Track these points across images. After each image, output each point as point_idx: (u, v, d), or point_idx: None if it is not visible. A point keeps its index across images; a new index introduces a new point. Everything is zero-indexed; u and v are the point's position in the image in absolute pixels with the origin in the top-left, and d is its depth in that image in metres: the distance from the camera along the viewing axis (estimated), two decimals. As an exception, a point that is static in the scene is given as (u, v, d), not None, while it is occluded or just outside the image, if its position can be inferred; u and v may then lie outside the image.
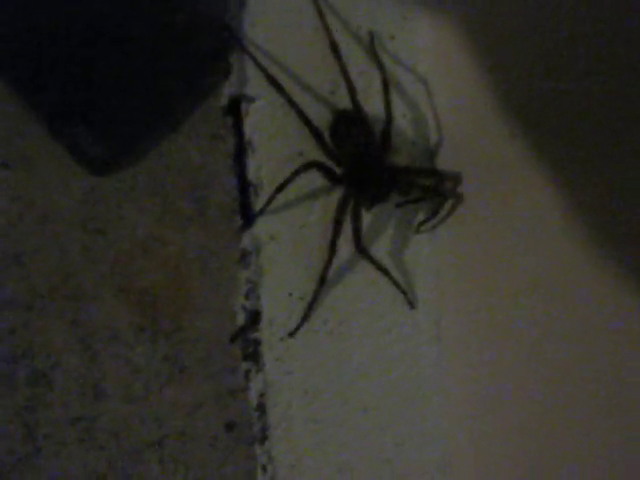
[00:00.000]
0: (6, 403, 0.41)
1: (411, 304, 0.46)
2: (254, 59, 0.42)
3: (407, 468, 0.46)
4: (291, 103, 0.42)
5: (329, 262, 0.43)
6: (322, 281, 0.43)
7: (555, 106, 0.39)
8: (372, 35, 0.45)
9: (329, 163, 0.44)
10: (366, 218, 0.44)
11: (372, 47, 0.44)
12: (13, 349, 0.42)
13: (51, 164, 0.42)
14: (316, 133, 0.43)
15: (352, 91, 0.43)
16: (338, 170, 0.44)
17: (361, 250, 0.43)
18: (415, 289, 0.46)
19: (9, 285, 0.42)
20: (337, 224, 0.43)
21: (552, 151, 0.40)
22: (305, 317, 0.44)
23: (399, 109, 0.45)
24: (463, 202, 0.45)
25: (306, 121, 0.42)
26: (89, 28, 0.37)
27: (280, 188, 0.42)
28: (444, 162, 0.46)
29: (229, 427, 0.45)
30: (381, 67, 0.44)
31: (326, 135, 0.43)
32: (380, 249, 0.46)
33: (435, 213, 0.45)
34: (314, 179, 0.44)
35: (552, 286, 0.40)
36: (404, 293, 0.45)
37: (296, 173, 0.42)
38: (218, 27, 0.39)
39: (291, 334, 0.44)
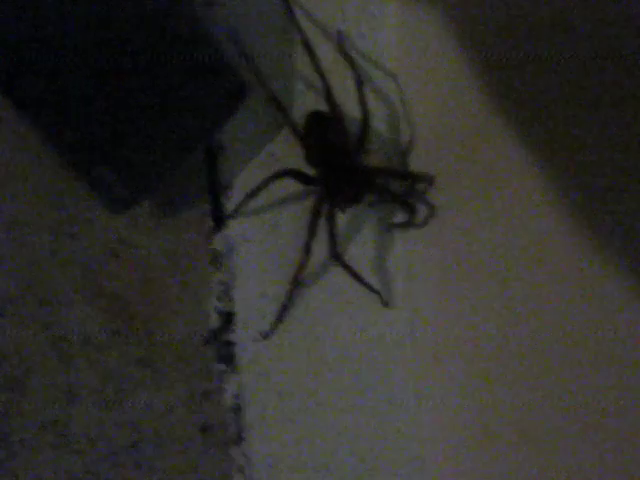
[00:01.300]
0: (-21, 410, 0.41)
1: (385, 302, 0.46)
2: (246, 58, 0.42)
3: (383, 467, 0.46)
4: (274, 100, 0.42)
5: (304, 264, 0.43)
6: (295, 282, 0.43)
7: (527, 96, 0.39)
8: (341, 33, 0.44)
9: (302, 166, 0.43)
10: (340, 216, 0.44)
11: (342, 46, 0.44)
12: (-15, 355, 0.41)
13: (16, 167, 0.42)
14: (295, 132, 0.42)
15: (327, 89, 0.43)
16: (312, 172, 0.44)
17: (336, 256, 0.42)
18: (389, 287, 0.46)
19: (-21, 291, 0.41)
20: (312, 226, 0.42)
21: (524, 143, 0.40)
22: (279, 318, 0.44)
23: (370, 108, 0.45)
24: (434, 207, 0.45)
25: (287, 119, 0.42)
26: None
27: (252, 194, 0.42)
28: (417, 158, 0.46)
29: (204, 429, 0.44)
30: (353, 65, 0.44)
31: (302, 134, 0.43)
32: (353, 248, 0.46)
33: (407, 223, 0.45)
34: (286, 180, 0.44)
35: (526, 282, 0.40)
36: (377, 293, 0.45)
37: (268, 181, 0.42)
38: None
39: (265, 336, 0.44)
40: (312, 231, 0.43)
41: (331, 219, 0.43)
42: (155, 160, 0.39)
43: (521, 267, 0.41)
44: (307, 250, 0.43)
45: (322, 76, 0.43)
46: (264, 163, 0.44)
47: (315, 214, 0.43)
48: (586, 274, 0.36)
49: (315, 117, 0.44)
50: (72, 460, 0.43)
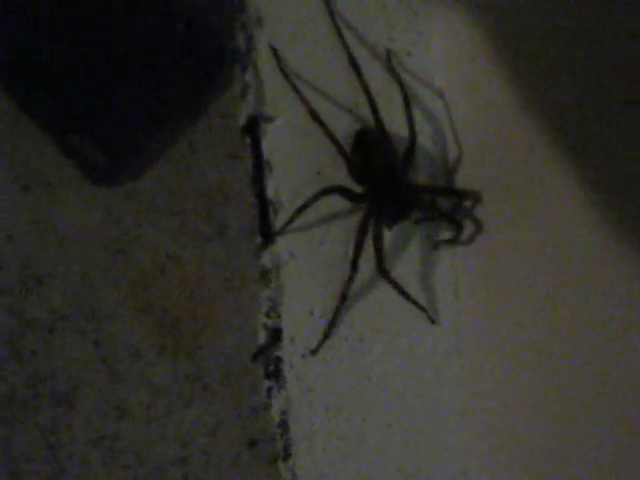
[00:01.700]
0: (30, 424, 0.41)
1: (431, 320, 0.46)
2: (287, 77, 0.42)
3: (429, 482, 0.47)
4: (317, 120, 0.42)
5: (350, 280, 0.43)
6: (343, 299, 0.43)
7: (577, 112, 0.39)
8: (389, 52, 0.45)
9: (349, 184, 0.44)
10: (386, 234, 0.44)
11: (390, 64, 0.44)
12: (35, 371, 0.41)
13: (70, 186, 0.42)
14: (340, 150, 0.43)
15: (374, 108, 0.43)
16: (359, 189, 0.44)
17: (383, 271, 0.43)
18: (435, 304, 0.46)
19: (30, 307, 0.42)
20: (358, 243, 0.43)
21: (573, 159, 0.40)
22: (326, 335, 0.44)
23: (417, 125, 0.45)
24: (481, 224, 0.45)
25: (331, 137, 0.42)
26: (94, 40, 0.37)
27: (300, 210, 0.43)
28: (463, 176, 0.46)
29: (252, 445, 0.45)
30: (401, 84, 0.44)
31: (348, 152, 0.43)
32: (400, 265, 0.46)
33: (454, 239, 0.45)
34: (333, 197, 0.44)
35: (572, 298, 0.41)
36: (424, 310, 0.45)
37: (316, 197, 0.42)
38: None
39: (313, 352, 0.45)
40: (359, 247, 0.43)
41: (378, 235, 0.43)
42: (132, 127, 0.38)
43: (569, 284, 0.41)
44: (354, 267, 0.43)
45: (369, 94, 0.43)
46: (311, 180, 0.44)
47: (362, 231, 0.43)
48: (637, 295, 0.37)
49: (362, 135, 0.44)
50: (121, 475, 0.43)
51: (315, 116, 0.42)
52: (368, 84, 0.43)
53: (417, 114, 0.45)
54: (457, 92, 0.45)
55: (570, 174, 0.40)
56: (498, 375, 0.45)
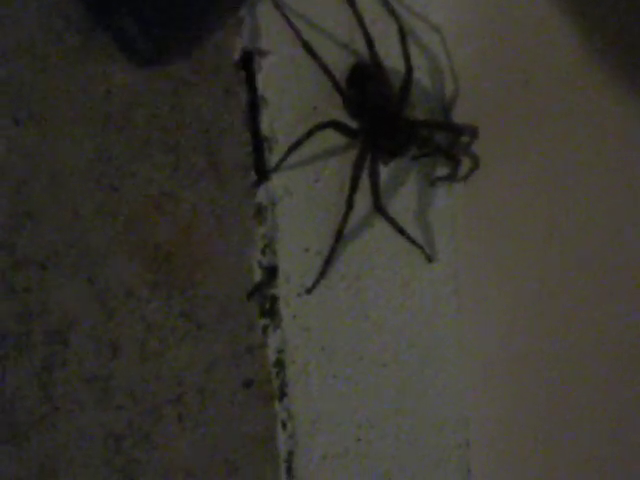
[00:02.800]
0: (23, 363, 0.41)
1: (429, 258, 0.45)
2: (281, 11, 0.42)
3: (426, 423, 0.46)
4: (311, 53, 0.41)
5: (346, 217, 0.42)
6: (339, 236, 0.43)
7: (571, 51, 0.38)
8: None
9: (344, 119, 0.43)
10: (382, 171, 0.44)
11: None
12: (28, 308, 0.41)
13: (62, 121, 0.41)
14: (335, 84, 0.42)
15: (369, 41, 0.42)
16: (354, 124, 0.43)
17: (379, 208, 0.42)
18: (432, 242, 0.46)
19: (22, 243, 0.41)
20: (354, 179, 0.42)
21: (567, 98, 0.39)
22: (322, 273, 0.44)
23: (414, 60, 0.44)
24: (479, 160, 0.44)
25: (326, 71, 0.41)
26: None
27: (294, 146, 0.42)
28: (460, 112, 0.45)
29: (247, 384, 0.44)
30: (396, 17, 0.43)
31: (343, 86, 0.43)
32: (396, 202, 0.45)
33: (451, 176, 0.45)
34: (329, 133, 0.43)
35: (570, 234, 0.40)
36: (421, 248, 0.45)
37: (310, 133, 0.42)
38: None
39: (309, 290, 0.44)
40: (354, 184, 0.42)
41: (374, 172, 0.42)
42: (180, 15, 0.40)
43: (569, 221, 0.40)
44: (350, 204, 0.42)
45: (364, 28, 0.42)
46: (307, 115, 0.43)
47: (357, 167, 0.42)
48: (623, 230, 0.36)
49: (357, 69, 0.43)
50: (115, 414, 0.43)
51: (309, 48, 0.41)
52: (363, 18, 0.42)
53: (414, 49, 0.44)
54: (454, 25, 0.45)
55: (566, 108, 0.39)
56: (495, 314, 0.44)
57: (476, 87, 0.44)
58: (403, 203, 0.45)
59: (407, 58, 0.43)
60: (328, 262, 0.44)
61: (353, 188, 0.42)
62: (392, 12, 0.43)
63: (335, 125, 0.42)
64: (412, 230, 0.44)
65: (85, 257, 0.42)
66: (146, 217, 0.43)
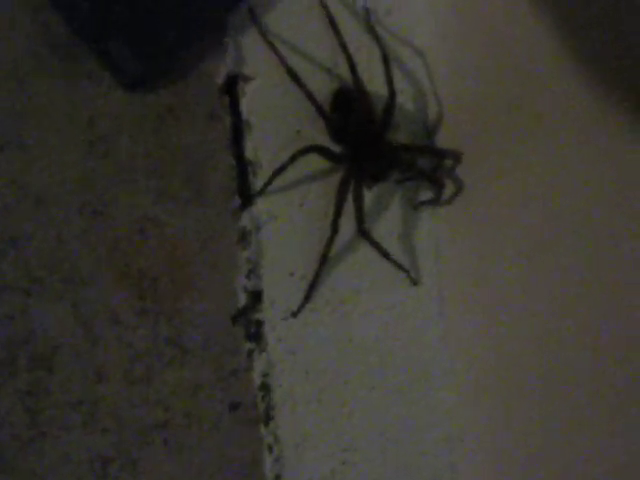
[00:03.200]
0: (8, 389, 0.41)
1: (414, 281, 0.45)
2: (265, 37, 0.42)
3: (413, 445, 0.46)
4: (295, 79, 0.41)
5: (330, 241, 0.42)
6: (323, 260, 0.43)
7: (554, 75, 0.38)
8: (367, 10, 0.44)
9: (328, 144, 0.43)
10: (366, 195, 0.44)
11: (369, 22, 0.44)
12: (13, 335, 0.41)
13: (46, 147, 0.42)
14: (319, 109, 0.42)
15: (352, 66, 0.42)
16: (338, 149, 0.43)
17: (363, 232, 0.42)
18: (417, 265, 0.46)
19: (6, 270, 0.41)
20: (339, 203, 0.42)
21: (551, 120, 0.39)
22: (307, 297, 0.44)
23: (398, 84, 0.44)
24: (462, 184, 0.44)
25: (310, 97, 0.42)
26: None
27: (278, 171, 0.42)
28: (444, 135, 0.45)
29: (233, 407, 0.44)
30: (379, 42, 0.43)
31: (327, 111, 0.43)
32: (380, 226, 0.45)
33: (434, 200, 0.45)
34: (313, 157, 0.43)
35: (554, 254, 0.40)
36: (406, 271, 0.45)
37: (294, 158, 0.42)
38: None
39: (294, 314, 0.44)
40: (339, 208, 0.42)
41: (358, 196, 0.42)
42: (167, 38, 0.40)
43: (551, 244, 0.40)
44: (334, 228, 0.42)
45: (347, 53, 0.42)
46: (291, 140, 0.43)
47: (342, 191, 0.43)
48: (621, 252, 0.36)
49: (340, 94, 0.44)
50: (101, 439, 0.43)
51: (293, 74, 0.41)
52: (346, 42, 0.42)
53: (397, 73, 0.44)
54: (438, 51, 0.45)
55: (549, 131, 0.40)
56: (481, 336, 0.44)
57: (462, 112, 0.45)
58: (387, 226, 0.45)
59: (390, 82, 0.43)
60: (313, 286, 0.44)
61: (337, 212, 0.42)
62: (376, 36, 0.44)
63: (318, 150, 0.42)
64: (396, 253, 0.44)
65: (70, 283, 0.42)
66: (131, 242, 0.43)
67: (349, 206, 0.42)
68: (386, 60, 0.43)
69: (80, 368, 0.42)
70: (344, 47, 0.42)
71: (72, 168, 0.42)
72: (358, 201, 0.42)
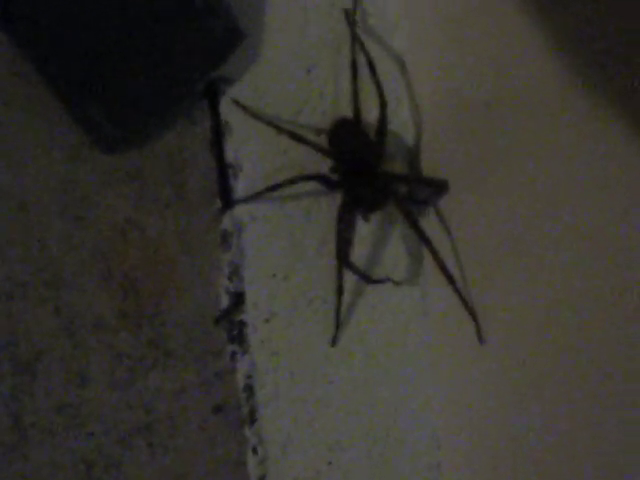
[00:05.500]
0: (-9, 393, 0.41)
1: (396, 283, 0.45)
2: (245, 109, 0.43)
3: (397, 445, 0.46)
4: (277, 127, 0.42)
5: (340, 272, 0.43)
6: (340, 290, 0.43)
7: (535, 71, 0.38)
8: (349, 12, 0.44)
9: (325, 171, 0.43)
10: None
11: (353, 25, 0.43)
12: (-5, 339, 0.41)
13: (25, 153, 0.42)
14: (320, 150, 0.43)
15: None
16: (333, 176, 0.43)
17: (348, 264, 0.42)
18: (400, 265, 0.46)
19: (-12, 275, 0.41)
20: (341, 233, 0.42)
21: (529, 121, 0.39)
22: (337, 325, 0.44)
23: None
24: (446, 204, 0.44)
25: (298, 138, 0.42)
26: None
27: (271, 189, 0.42)
28: (425, 143, 0.45)
29: (217, 410, 0.44)
30: (364, 47, 0.43)
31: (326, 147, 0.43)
32: (362, 226, 0.45)
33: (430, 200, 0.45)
34: (294, 158, 0.44)
35: (535, 256, 0.40)
36: (389, 281, 0.44)
37: (292, 181, 0.42)
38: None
39: (333, 343, 0.45)
40: (342, 238, 0.42)
41: (349, 226, 0.42)
42: (145, 102, 0.40)
43: (529, 241, 0.40)
44: (344, 259, 0.42)
45: (380, 90, 0.42)
46: (271, 142, 0.43)
47: (341, 220, 0.42)
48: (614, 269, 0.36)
49: (342, 125, 0.44)
50: (85, 442, 0.43)
51: (289, 133, 0.42)
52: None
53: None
54: (416, 54, 0.45)
55: (529, 135, 0.40)
56: (465, 335, 0.44)
57: (440, 113, 0.45)
58: (369, 227, 0.45)
59: (381, 92, 0.43)
60: (337, 314, 0.44)
61: (342, 241, 0.42)
62: (360, 43, 0.43)
63: (319, 178, 0.43)
64: (380, 253, 0.45)
65: (52, 287, 0.42)
66: (112, 246, 0.43)
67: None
68: (372, 68, 0.43)
69: (63, 372, 0.42)
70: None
71: (53, 173, 0.42)
72: (348, 231, 0.42)
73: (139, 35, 0.39)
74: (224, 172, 0.44)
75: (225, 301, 0.44)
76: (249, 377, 0.44)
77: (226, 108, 0.43)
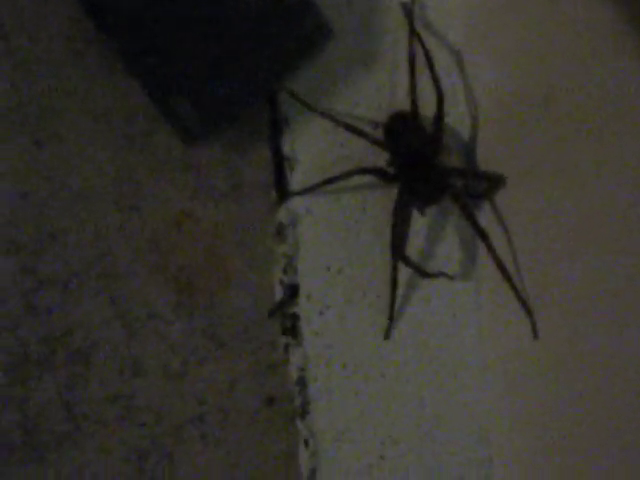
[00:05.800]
0: (46, 383, 0.41)
1: (450, 277, 0.45)
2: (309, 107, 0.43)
3: (448, 439, 0.46)
4: (333, 120, 0.42)
5: (395, 268, 0.43)
6: (394, 285, 0.43)
7: (593, 69, 0.38)
8: (407, 5, 0.44)
9: (381, 164, 0.44)
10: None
11: (411, 23, 0.43)
12: (51, 329, 0.41)
13: (83, 142, 0.42)
14: (372, 140, 0.43)
15: (412, 86, 0.42)
16: (390, 169, 0.43)
17: (403, 258, 0.42)
18: (453, 258, 0.46)
19: (44, 264, 0.41)
20: (396, 227, 0.42)
21: (591, 115, 0.39)
22: (391, 317, 0.44)
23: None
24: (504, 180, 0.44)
25: (354, 130, 0.42)
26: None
27: (328, 182, 0.42)
28: (482, 137, 0.45)
29: (269, 402, 0.44)
30: (421, 41, 0.43)
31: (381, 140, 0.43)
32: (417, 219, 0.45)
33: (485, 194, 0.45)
34: (350, 152, 0.44)
35: (591, 253, 0.40)
36: (443, 275, 0.44)
37: (349, 174, 0.42)
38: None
39: (386, 337, 0.45)
40: (397, 232, 0.42)
41: (405, 219, 0.42)
42: (230, 98, 0.40)
43: (588, 241, 0.40)
44: (396, 252, 0.42)
45: (438, 86, 0.42)
46: (328, 135, 0.43)
47: (397, 214, 0.42)
48: None
49: (399, 118, 0.44)
50: (137, 433, 0.43)
51: (350, 127, 0.42)
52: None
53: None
54: (474, 47, 0.45)
55: (589, 128, 0.39)
56: (517, 330, 0.44)
57: (498, 110, 0.44)
58: (424, 220, 0.45)
59: (438, 85, 0.42)
60: (392, 306, 0.44)
61: (397, 236, 0.42)
62: (419, 38, 0.43)
63: (377, 172, 0.43)
64: (434, 248, 0.45)
65: (107, 277, 0.42)
66: (167, 237, 0.43)
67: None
68: (430, 61, 0.42)
69: (117, 362, 0.42)
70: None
71: (108, 163, 0.42)
72: (404, 225, 0.42)
73: (231, 33, 0.39)
74: (280, 164, 0.44)
75: (279, 293, 0.44)
76: (302, 369, 0.44)
77: (283, 101, 0.43)
